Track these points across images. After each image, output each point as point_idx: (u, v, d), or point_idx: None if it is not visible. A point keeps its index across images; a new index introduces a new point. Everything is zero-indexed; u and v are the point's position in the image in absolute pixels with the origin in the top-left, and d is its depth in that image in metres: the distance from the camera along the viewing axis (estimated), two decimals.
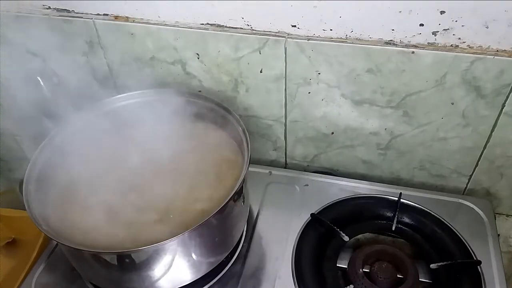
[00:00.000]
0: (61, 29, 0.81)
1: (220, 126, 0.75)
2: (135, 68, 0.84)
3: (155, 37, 0.78)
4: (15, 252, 0.91)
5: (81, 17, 0.79)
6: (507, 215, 0.88)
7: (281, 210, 0.81)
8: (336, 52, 0.71)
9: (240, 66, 0.77)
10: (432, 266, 0.70)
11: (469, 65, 0.67)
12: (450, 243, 0.74)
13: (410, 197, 0.80)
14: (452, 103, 0.72)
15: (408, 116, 0.76)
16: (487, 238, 0.75)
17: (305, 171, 0.90)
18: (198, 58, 0.78)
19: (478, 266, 0.70)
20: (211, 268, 0.68)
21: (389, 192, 0.82)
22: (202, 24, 0.75)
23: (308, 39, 0.71)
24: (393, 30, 0.67)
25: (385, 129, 0.79)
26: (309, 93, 0.78)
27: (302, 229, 0.77)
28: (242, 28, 0.73)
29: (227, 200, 0.60)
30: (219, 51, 0.76)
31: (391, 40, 0.68)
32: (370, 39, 0.69)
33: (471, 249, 0.73)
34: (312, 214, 0.77)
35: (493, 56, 0.65)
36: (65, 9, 0.80)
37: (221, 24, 0.74)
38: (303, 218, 0.78)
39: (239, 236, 0.74)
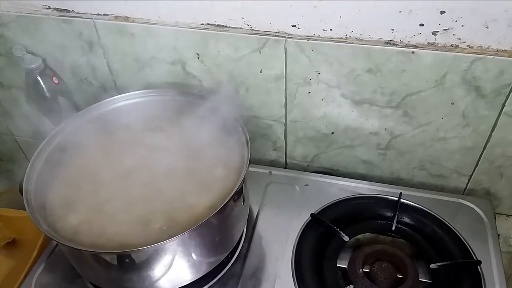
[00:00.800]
0: (61, 29, 0.81)
1: (220, 126, 0.75)
2: (135, 68, 0.84)
3: (155, 37, 0.78)
4: (15, 252, 0.91)
5: (81, 17, 0.79)
6: (507, 215, 0.88)
7: (281, 210, 0.81)
8: (336, 52, 0.71)
9: (240, 66, 0.77)
10: (432, 266, 0.70)
11: (469, 65, 0.67)
12: (450, 243, 0.74)
13: (410, 197, 0.80)
14: (452, 103, 0.72)
15: (408, 116, 0.76)
16: (487, 238, 0.75)
17: (305, 171, 0.90)
18: (198, 58, 0.78)
19: (478, 266, 0.70)
20: (211, 268, 0.68)
21: (389, 192, 0.81)
22: (202, 24, 0.75)
23: (308, 39, 0.71)
24: (393, 30, 0.67)
25: (385, 129, 0.79)
26: (309, 93, 0.78)
27: (302, 229, 0.77)
28: (242, 28, 0.73)
29: (227, 200, 0.60)
30: (219, 51, 0.76)
31: (391, 40, 0.68)
32: (370, 39, 0.69)
33: (471, 249, 0.73)
34: (312, 214, 0.77)
35: (493, 56, 0.65)
36: (65, 9, 0.80)
37: (221, 24, 0.74)
38: (303, 218, 0.78)
39: (239, 236, 0.74)
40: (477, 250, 0.73)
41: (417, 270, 0.69)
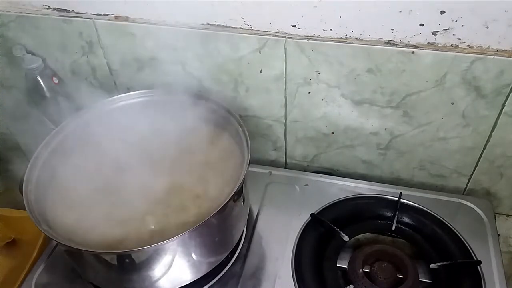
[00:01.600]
0: (61, 29, 0.81)
1: (220, 126, 0.75)
2: (135, 68, 0.84)
3: (155, 37, 0.78)
4: (15, 252, 0.91)
5: (81, 17, 0.79)
6: (507, 215, 0.88)
7: (281, 210, 0.81)
8: (336, 52, 0.71)
9: (240, 66, 0.77)
10: (432, 266, 0.70)
11: (469, 65, 0.67)
12: (450, 243, 0.74)
13: (410, 197, 0.80)
14: (452, 103, 0.72)
15: (408, 116, 0.76)
16: (487, 238, 0.75)
17: (305, 171, 0.90)
18: (198, 58, 0.78)
19: (478, 266, 0.70)
20: (211, 268, 0.68)
21: (389, 192, 0.81)
22: (202, 24, 0.75)
23: (308, 39, 0.71)
24: (393, 30, 0.67)
25: (385, 129, 0.79)
26: (309, 93, 0.78)
27: (302, 229, 0.77)
28: (242, 28, 0.73)
29: (227, 200, 0.60)
30: (219, 51, 0.76)
31: (391, 40, 0.68)
32: (370, 39, 0.69)
33: (471, 249, 0.73)
34: (312, 214, 0.77)
35: (493, 56, 0.65)
36: (65, 9, 0.80)
37: (221, 24, 0.74)
38: (303, 218, 0.78)
39: (239, 236, 0.74)
40: (477, 250, 0.73)
41: (417, 270, 0.69)
